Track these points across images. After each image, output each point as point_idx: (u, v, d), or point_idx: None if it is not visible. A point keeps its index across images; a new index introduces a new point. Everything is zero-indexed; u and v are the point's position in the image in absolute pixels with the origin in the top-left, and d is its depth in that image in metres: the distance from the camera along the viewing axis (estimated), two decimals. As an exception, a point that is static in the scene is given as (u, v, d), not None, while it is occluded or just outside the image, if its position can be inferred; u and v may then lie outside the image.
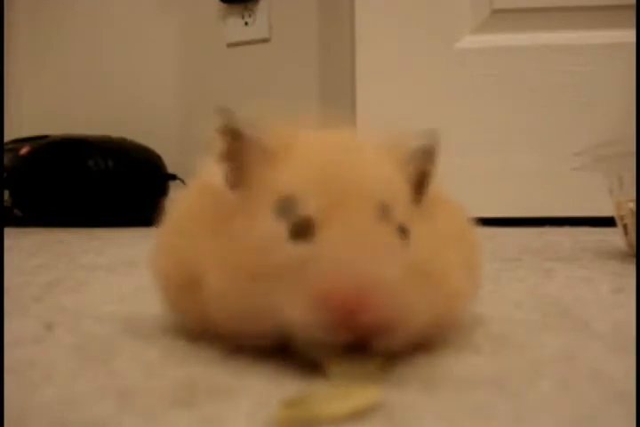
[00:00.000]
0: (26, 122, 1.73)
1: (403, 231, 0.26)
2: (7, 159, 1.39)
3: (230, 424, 0.20)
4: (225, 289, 0.26)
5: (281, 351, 0.27)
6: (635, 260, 0.64)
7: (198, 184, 0.33)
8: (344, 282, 0.22)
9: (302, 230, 0.25)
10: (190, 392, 0.23)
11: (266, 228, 0.26)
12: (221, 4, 1.50)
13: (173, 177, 1.46)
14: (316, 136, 0.30)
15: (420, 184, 0.29)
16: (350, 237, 0.24)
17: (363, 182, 0.26)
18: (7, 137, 1.47)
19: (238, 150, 0.29)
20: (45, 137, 1.43)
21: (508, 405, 0.22)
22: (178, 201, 0.33)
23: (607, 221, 0.77)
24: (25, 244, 0.90)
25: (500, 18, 1.30)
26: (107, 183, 1.34)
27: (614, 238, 0.77)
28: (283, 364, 0.27)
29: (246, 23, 1.49)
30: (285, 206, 0.26)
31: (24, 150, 1.38)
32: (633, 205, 0.64)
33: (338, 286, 0.22)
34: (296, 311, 0.23)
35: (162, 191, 1.47)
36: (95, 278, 0.54)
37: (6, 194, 1.39)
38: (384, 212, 0.25)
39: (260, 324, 0.25)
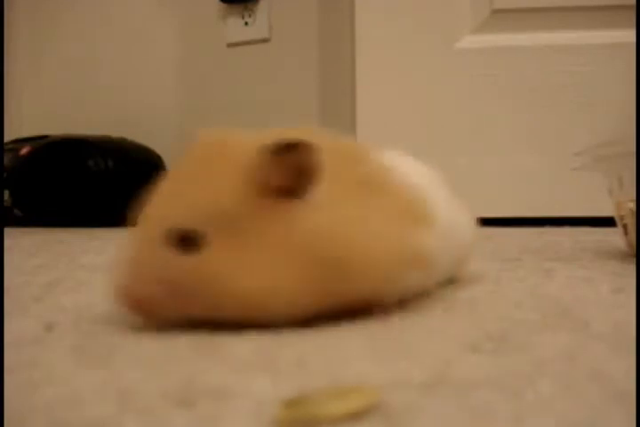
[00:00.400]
0: (26, 122, 1.73)
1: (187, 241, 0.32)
2: (7, 159, 1.39)
3: (230, 424, 0.20)
4: None
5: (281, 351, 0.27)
6: (635, 260, 0.64)
7: None
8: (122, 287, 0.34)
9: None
10: (190, 392, 0.23)
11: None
12: (221, 4, 1.50)
13: (173, 177, 1.46)
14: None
15: (300, 176, 0.33)
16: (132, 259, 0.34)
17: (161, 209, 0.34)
18: (7, 137, 1.47)
19: None
20: (45, 137, 1.43)
21: (508, 405, 0.22)
22: None
23: (607, 221, 0.77)
24: (25, 244, 0.90)
25: (500, 18, 1.30)
26: (107, 183, 1.34)
27: (614, 238, 0.77)
28: (283, 364, 0.27)
29: (246, 23, 1.49)
30: None
31: (24, 150, 1.38)
32: (633, 205, 0.64)
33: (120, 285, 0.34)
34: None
35: (162, 191, 1.47)
36: (95, 278, 0.54)
37: (6, 194, 1.39)
38: (168, 234, 0.32)
39: None
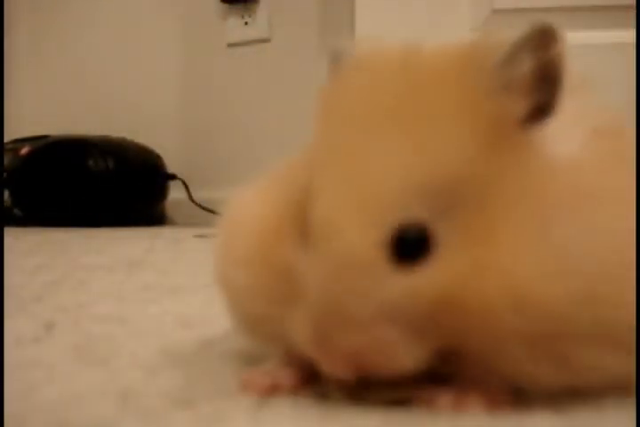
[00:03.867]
0: (26, 122, 1.73)
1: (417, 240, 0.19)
2: (7, 159, 1.39)
3: (230, 424, 0.20)
4: None
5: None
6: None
7: None
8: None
9: None
10: (190, 392, 0.23)
11: None
12: (221, 3, 1.50)
13: (173, 177, 1.46)
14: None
15: (543, 88, 0.21)
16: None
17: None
18: (7, 137, 1.47)
19: None
20: (45, 137, 1.43)
21: (509, 405, 0.22)
22: None
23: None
24: (25, 244, 0.90)
25: (500, 18, 1.30)
26: (107, 183, 1.34)
27: None
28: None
29: (246, 23, 1.49)
30: None
31: (24, 150, 1.38)
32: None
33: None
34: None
35: (162, 191, 1.47)
36: (95, 278, 0.54)
37: (6, 194, 1.39)
38: (375, 241, 0.19)
39: None
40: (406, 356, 0.20)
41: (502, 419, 0.21)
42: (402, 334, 0.20)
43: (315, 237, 0.20)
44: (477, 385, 0.22)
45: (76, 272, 0.58)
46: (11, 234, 1.06)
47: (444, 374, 0.21)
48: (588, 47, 1.27)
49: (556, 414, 0.22)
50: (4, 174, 1.38)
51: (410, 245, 0.19)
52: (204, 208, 1.42)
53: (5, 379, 0.24)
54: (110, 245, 0.88)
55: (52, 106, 1.73)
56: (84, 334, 0.33)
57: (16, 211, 1.38)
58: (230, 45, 1.51)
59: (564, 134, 0.21)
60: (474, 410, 0.22)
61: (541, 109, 0.21)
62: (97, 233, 1.13)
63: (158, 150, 1.48)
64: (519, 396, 0.23)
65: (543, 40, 0.21)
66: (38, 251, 0.79)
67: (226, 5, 1.50)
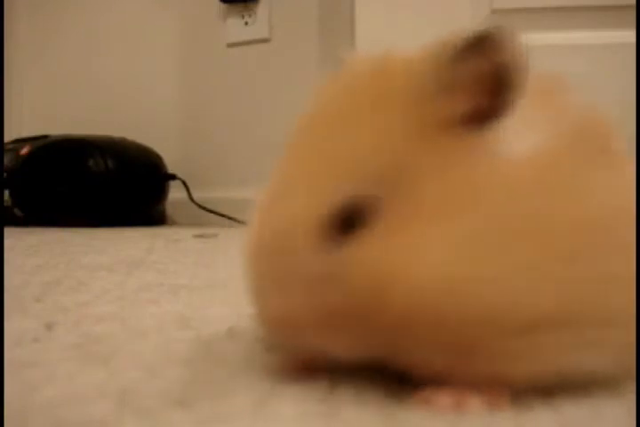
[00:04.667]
0: (26, 122, 1.73)
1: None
2: (7, 159, 1.39)
3: (230, 424, 0.20)
4: None
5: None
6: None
7: None
8: None
9: None
10: (190, 392, 0.23)
11: None
12: (221, 4, 1.50)
13: (173, 177, 1.46)
14: None
15: (496, 91, 0.21)
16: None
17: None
18: (7, 137, 1.47)
19: None
20: (45, 137, 1.43)
21: (509, 405, 0.22)
22: None
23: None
24: (25, 244, 0.90)
25: (500, 18, 1.30)
26: (107, 183, 1.34)
27: None
28: (281, 363, 0.27)
29: (246, 23, 1.49)
30: None
31: (24, 150, 1.38)
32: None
33: None
34: None
35: (162, 191, 1.47)
36: (95, 278, 0.54)
37: (6, 194, 1.39)
38: (319, 215, 0.21)
39: None
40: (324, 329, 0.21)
41: (502, 419, 0.21)
42: (318, 303, 0.21)
43: (267, 204, 0.23)
44: (477, 385, 0.22)
45: (76, 272, 0.58)
46: (11, 234, 1.06)
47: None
48: (588, 47, 1.27)
49: (555, 414, 0.22)
50: (4, 174, 1.38)
51: (344, 221, 0.21)
52: (203, 208, 1.42)
53: (5, 379, 0.24)
54: (110, 245, 0.88)
55: (52, 106, 1.73)
56: (83, 334, 0.33)
57: (16, 211, 1.38)
58: (230, 45, 1.51)
59: (517, 136, 0.22)
60: (474, 410, 0.22)
61: (486, 112, 0.21)
62: (97, 233, 1.13)
63: (158, 150, 1.48)
64: (519, 396, 0.23)
65: (488, 45, 0.21)
66: (38, 251, 0.79)
67: (226, 5, 1.50)
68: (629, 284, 0.22)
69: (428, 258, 0.20)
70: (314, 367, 0.25)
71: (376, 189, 0.21)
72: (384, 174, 0.21)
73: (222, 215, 1.35)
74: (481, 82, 0.21)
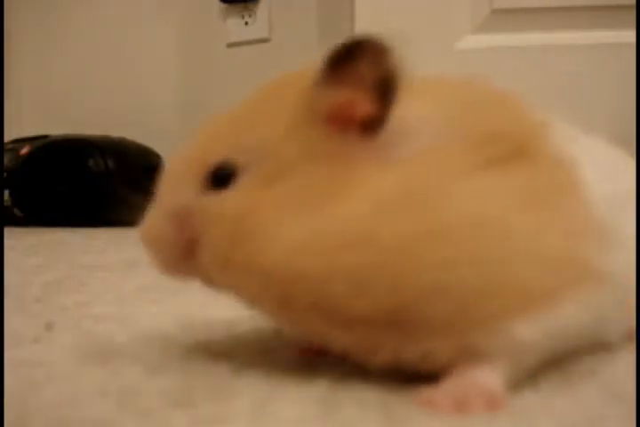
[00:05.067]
0: (26, 122, 1.73)
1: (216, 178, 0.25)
2: (7, 159, 1.39)
3: (230, 424, 0.20)
4: None
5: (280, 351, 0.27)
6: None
7: None
8: None
9: None
10: (190, 392, 0.23)
11: None
12: (221, 4, 1.49)
13: (173, 177, 1.46)
14: None
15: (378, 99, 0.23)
16: None
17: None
18: (7, 137, 1.47)
19: None
20: (45, 137, 1.43)
21: (509, 405, 0.22)
22: None
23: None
24: (25, 244, 0.90)
25: (500, 18, 1.30)
26: (107, 183, 1.34)
27: None
28: (281, 363, 0.27)
29: (246, 23, 1.49)
30: None
31: (24, 150, 1.38)
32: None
33: None
34: None
35: (162, 191, 1.47)
36: (95, 278, 0.54)
37: (6, 194, 1.38)
38: (197, 170, 0.26)
39: None
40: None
41: (502, 419, 0.21)
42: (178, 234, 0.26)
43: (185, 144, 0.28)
44: (477, 385, 0.22)
45: (76, 272, 0.58)
46: (11, 234, 1.06)
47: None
48: (588, 47, 1.27)
49: (555, 413, 0.22)
50: (4, 174, 1.38)
51: (220, 178, 0.25)
52: (203, 208, 1.42)
53: (5, 379, 0.24)
54: (110, 245, 0.88)
55: (52, 106, 1.73)
56: (83, 334, 0.33)
57: (16, 211, 1.38)
58: (230, 45, 1.51)
59: (400, 143, 0.23)
60: (474, 410, 0.22)
61: (370, 116, 0.23)
62: (97, 233, 1.13)
63: (158, 150, 1.48)
64: (519, 396, 0.23)
65: (369, 49, 0.23)
66: (38, 251, 0.79)
67: (226, 5, 1.50)
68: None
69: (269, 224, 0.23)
70: (320, 353, 0.27)
71: (242, 159, 0.25)
72: (254, 149, 0.25)
73: (222, 215, 1.35)
74: (363, 83, 0.23)
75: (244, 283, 0.24)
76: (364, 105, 0.23)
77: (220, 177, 0.25)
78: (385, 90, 0.23)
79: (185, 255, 0.26)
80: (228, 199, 0.25)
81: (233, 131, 0.26)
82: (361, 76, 0.23)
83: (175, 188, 0.27)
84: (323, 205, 0.23)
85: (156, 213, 0.27)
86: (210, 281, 0.27)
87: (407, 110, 0.23)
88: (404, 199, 0.22)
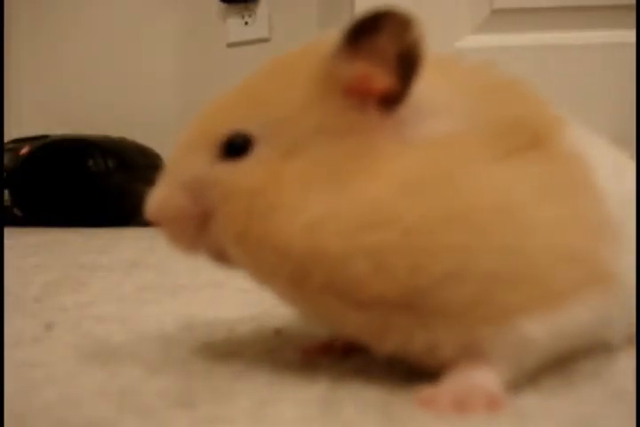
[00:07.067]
0: (26, 122, 1.73)
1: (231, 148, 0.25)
2: (7, 159, 1.39)
3: (230, 425, 0.20)
4: None
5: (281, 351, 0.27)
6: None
7: None
8: None
9: None
10: (190, 393, 0.23)
11: None
12: (221, 3, 1.50)
13: (173, 177, 1.46)
14: None
15: (399, 72, 0.23)
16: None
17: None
18: (7, 137, 1.47)
19: None
20: (45, 137, 1.43)
21: (509, 405, 0.22)
22: None
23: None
24: (25, 244, 0.90)
25: (500, 18, 1.30)
26: (107, 183, 1.34)
27: None
28: (281, 363, 0.27)
29: (246, 23, 1.49)
30: None
31: (24, 150, 1.38)
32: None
33: None
34: None
35: (162, 191, 1.47)
36: (95, 278, 0.54)
37: (6, 194, 1.38)
38: (212, 140, 0.25)
39: None
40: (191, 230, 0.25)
41: (502, 419, 0.21)
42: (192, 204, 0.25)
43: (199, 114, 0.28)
44: (478, 385, 0.22)
45: (76, 272, 0.58)
46: (11, 234, 1.06)
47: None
48: (588, 47, 1.27)
49: (555, 413, 0.22)
50: (4, 174, 1.38)
51: (235, 147, 0.24)
52: (203, 208, 1.42)
53: (5, 379, 0.24)
54: (110, 245, 0.88)
55: (52, 106, 1.73)
56: (83, 334, 0.33)
57: (16, 211, 1.38)
58: (230, 45, 1.51)
59: (421, 123, 0.23)
60: (474, 410, 0.22)
61: (390, 91, 0.23)
62: (97, 233, 1.13)
63: (158, 150, 1.48)
64: (519, 396, 0.23)
65: (390, 22, 0.22)
66: (38, 251, 0.79)
67: (226, 5, 1.50)
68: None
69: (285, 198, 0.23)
70: (323, 351, 0.28)
71: (258, 130, 0.24)
72: (272, 121, 0.24)
73: (222, 215, 1.35)
74: (384, 56, 0.22)
75: (260, 258, 0.23)
76: (383, 79, 0.23)
77: (235, 146, 0.24)
78: (406, 64, 0.22)
79: (198, 229, 0.25)
80: (246, 171, 0.24)
81: (245, 102, 0.25)
82: (382, 49, 0.22)
83: (187, 158, 0.26)
84: (347, 183, 0.22)
85: (168, 185, 0.26)
86: (221, 257, 0.26)
87: (426, 88, 0.23)
88: (431, 182, 0.22)
